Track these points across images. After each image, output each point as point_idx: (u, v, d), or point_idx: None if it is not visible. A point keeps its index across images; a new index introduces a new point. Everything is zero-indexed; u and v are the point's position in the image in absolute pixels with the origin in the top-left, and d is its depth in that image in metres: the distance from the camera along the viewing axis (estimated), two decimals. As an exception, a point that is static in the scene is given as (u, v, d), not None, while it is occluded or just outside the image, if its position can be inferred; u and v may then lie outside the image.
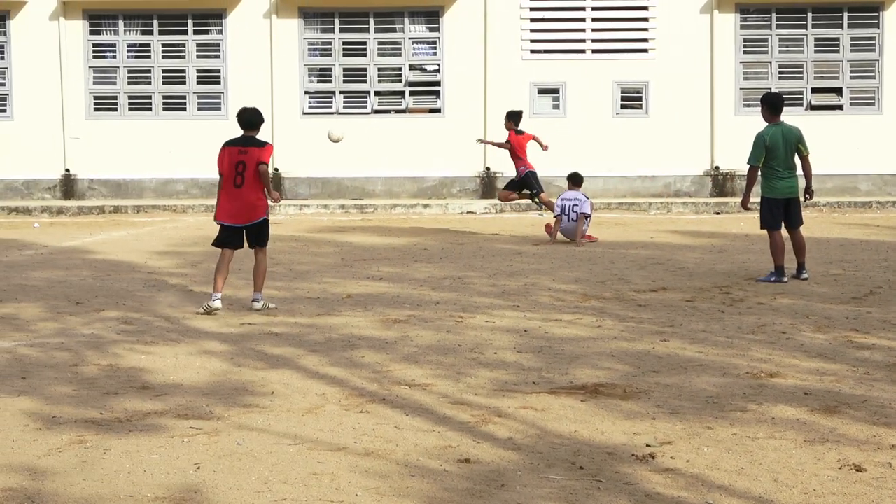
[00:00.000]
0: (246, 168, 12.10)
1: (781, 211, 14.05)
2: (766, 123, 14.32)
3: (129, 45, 27.78)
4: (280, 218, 23.59)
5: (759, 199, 14.36)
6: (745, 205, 14.45)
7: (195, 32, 27.64)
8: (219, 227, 12.36)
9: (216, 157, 12.38)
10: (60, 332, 10.66)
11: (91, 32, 27.65)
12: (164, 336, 10.44)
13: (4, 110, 27.67)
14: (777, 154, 13.95)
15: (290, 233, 20.49)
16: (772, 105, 14.34)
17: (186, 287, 13.73)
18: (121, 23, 27.61)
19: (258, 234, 12.35)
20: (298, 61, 27.50)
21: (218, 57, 27.66)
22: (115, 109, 27.63)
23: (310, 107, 27.51)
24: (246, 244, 12.46)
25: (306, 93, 27.53)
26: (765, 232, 14.26)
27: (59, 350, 9.79)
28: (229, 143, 12.42)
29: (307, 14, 27.52)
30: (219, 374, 8.79)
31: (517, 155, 20.01)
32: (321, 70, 27.71)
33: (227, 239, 12.31)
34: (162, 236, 20.34)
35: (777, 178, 13.96)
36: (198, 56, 27.67)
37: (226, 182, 12.20)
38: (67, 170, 27.51)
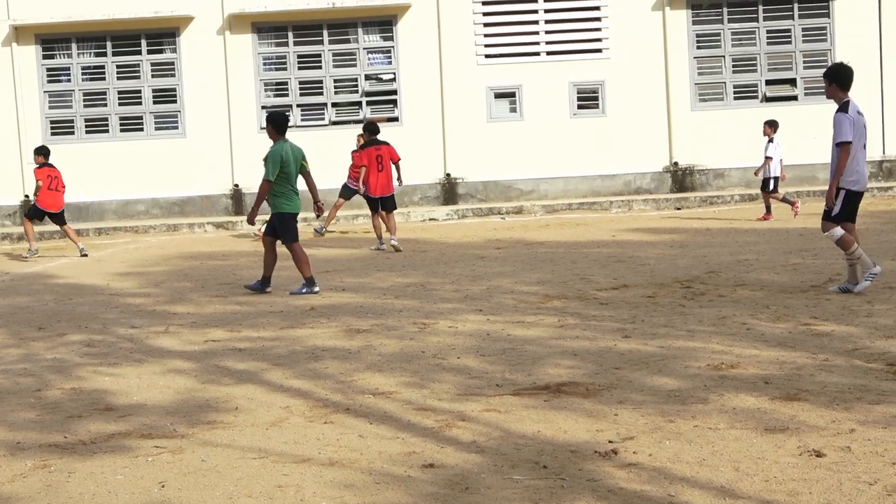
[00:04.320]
0: (383, 159, 19.59)
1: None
2: (273, 142, 14.67)
3: (83, 68, 27.69)
4: (243, 233, 23.58)
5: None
6: (252, 220, 14.79)
7: (149, 52, 27.58)
8: (368, 198, 19.79)
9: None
10: (24, 358, 10.61)
11: (45, 57, 27.55)
12: (128, 357, 10.42)
13: (-40, 138, 27.55)
14: (289, 170, 14.41)
15: (251, 248, 20.48)
16: (277, 123, 14.62)
17: (150, 307, 13.69)
18: (74, 46, 27.53)
19: (392, 203, 19.87)
20: (254, 76, 27.49)
21: (173, 76, 27.61)
22: (73, 133, 27.53)
23: (267, 121, 27.46)
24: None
25: (263, 107, 27.50)
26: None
27: (23, 376, 9.75)
28: (367, 146, 19.93)
29: (261, 29, 27.51)
30: (183, 392, 8.78)
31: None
32: (277, 84, 27.71)
33: (376, 204, 19.60)
34: (124, 258, 20.28)
35: (294, 193, 14.48)
36: (153, 76, 27.61)
37: (373, 168, 19.51)
38: (27, 195, 27.38)
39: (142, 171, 27.19)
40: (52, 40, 27.56)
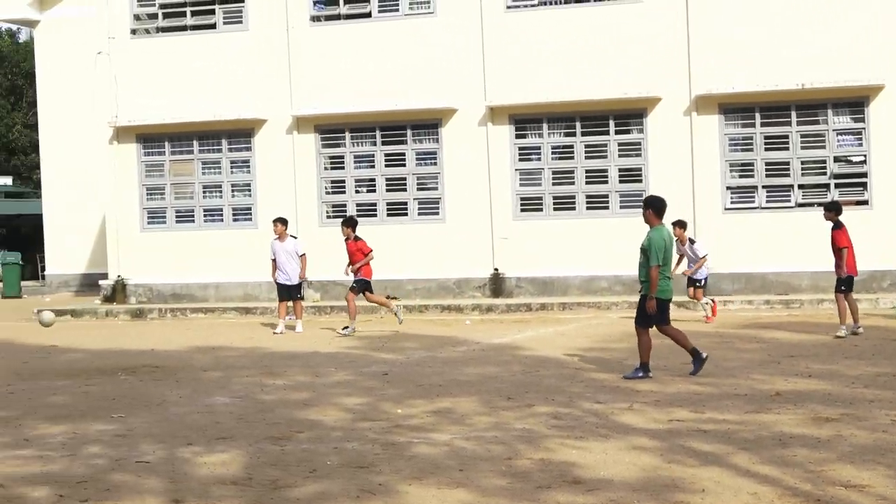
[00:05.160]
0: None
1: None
2: (650, 226, 14.83)
3: (552, 147, 28.59)
4: (703, 314, 23.42)
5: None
6: (652, 307, 14.38)
7: (616, 132, 28.13)
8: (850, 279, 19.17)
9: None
10: (494, 426, 11.04)
11: (517, 136, 28.67)
12: (594, 431, 10.63)
13: (437, 213, 29.05)
14: (668, 255, 14.53)
15: (714, 328, 20.38)
16: (657, 209, 14.84)
17: (613, 383, 13.91)
18: (545, 126, 28.48)
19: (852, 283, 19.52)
20: (719, 156, 27.40)
21: (639, 155, 27.99)
22: (541, 209, 28.42)
23: (731, 202, 27.33)
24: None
25: (728, 188, 27.37)
26: None
27: (494, 443, 10.15)
28: (839, 227, 19.03)
29: (727, 110, 27.45)
30: (648, 470, 8.85)
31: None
32: (742, 165, 27.50)
33: (851, 284, 19.15)
34: (587, 333, 20.68)
35: (668, 279, 14.54)
36: (619, 155, 28.12)
37: (850, 249, 19.02)
38: (496, 269, 28.48)
39: (605, 248, 27.64)
40: (524, 120, 28.64)
